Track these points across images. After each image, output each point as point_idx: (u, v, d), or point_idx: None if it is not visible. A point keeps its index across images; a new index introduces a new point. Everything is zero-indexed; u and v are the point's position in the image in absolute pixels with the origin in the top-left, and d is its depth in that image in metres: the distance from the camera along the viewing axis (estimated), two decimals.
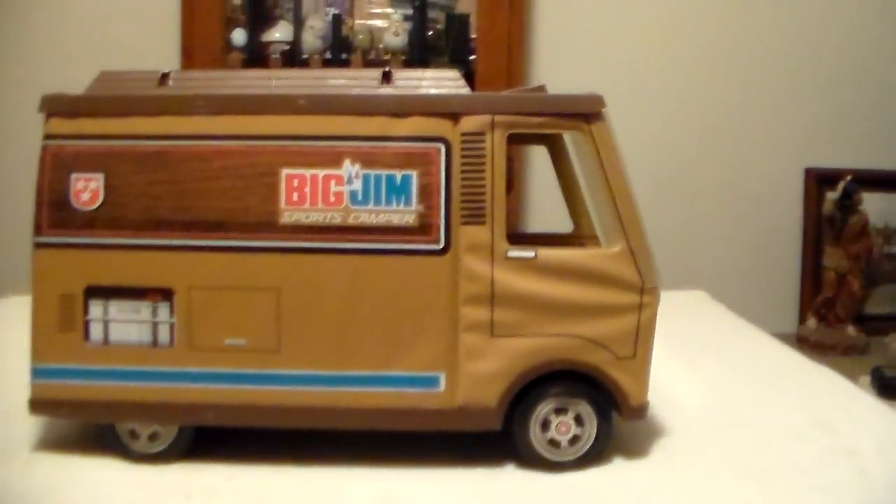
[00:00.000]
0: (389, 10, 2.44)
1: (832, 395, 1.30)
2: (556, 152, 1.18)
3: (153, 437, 1.01)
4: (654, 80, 2.49)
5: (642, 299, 1.00)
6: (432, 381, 1.00)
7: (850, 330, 2.44)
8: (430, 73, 1.01)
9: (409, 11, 2.40)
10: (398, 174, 0.98)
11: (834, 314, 2.46)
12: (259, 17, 2.41)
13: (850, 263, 2.43)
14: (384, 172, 0.98)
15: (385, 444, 1.05)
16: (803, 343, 2.41)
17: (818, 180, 2.55)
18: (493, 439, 1.03)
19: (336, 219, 0.98)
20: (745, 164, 2.55)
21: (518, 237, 1.07)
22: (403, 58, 2.35)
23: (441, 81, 1.00)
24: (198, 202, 0.98)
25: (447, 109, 0.97)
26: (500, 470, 1.02)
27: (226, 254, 0.98)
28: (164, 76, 1.02)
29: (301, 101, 0.98)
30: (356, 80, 1.01)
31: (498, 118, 0.98)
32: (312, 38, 2.37)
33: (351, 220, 0.98)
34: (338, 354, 0.99)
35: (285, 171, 0.98)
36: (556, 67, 2.43)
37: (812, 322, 2.47)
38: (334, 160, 0.98)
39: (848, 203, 2.39)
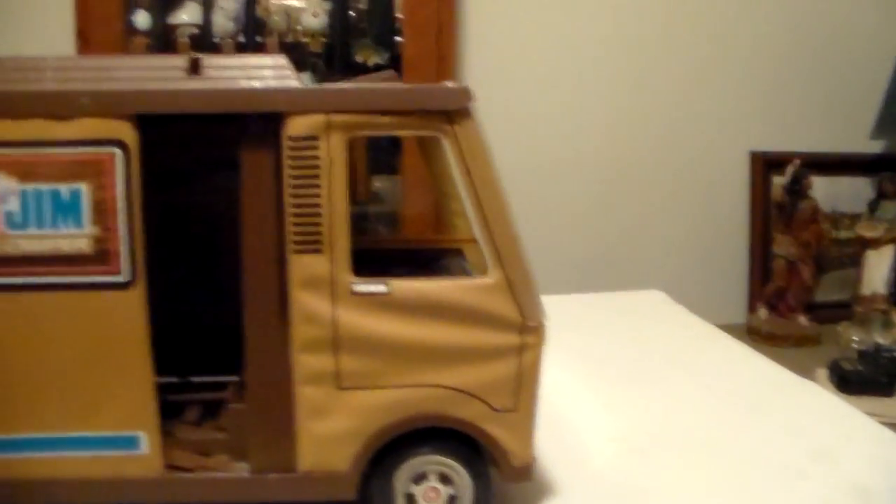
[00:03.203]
0: None
1: (825, 416, 1.14)
2: (430, 150, 0.99)
3: None
4: (595, 65, 2.34)
5: (523, 339, 0.81)
6: (129, 443, 0.81)
7: (802, 320, 2.32)
8: (251, 60, 0.81)
9: None
10: (64, 188, 0.78)
11: (785, 304, 2.34)
12: None
13: (800, 251, 2.31)
14: (47, 187, 0.78)
15: None
16: (754, 334, 2.30)
17: (764, 164, 2.42)
18: None
19: None
20: (687, 149, 2.41)
21: (376, 258, 0.87)
22: (324, 40, 2.19)
23: (261, 70, 0.80)
24: None
25: (269, 108, 0.77)
26: None
27: None
28: None
29: None
30: (157, 71, 0.80)
31: (335, 118, 0.78)
32: (223, 19, 2.18)
33: (8, 249, 0.78)
34: (12, 414, 0.80)
35: None
36: (488, 51, 2.26)
37: (762, 312, 2.35)
38: None
39: (797, 188, 2.27)
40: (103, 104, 0.77)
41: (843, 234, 2.47)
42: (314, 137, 0.77)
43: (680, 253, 2.43)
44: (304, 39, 2.18)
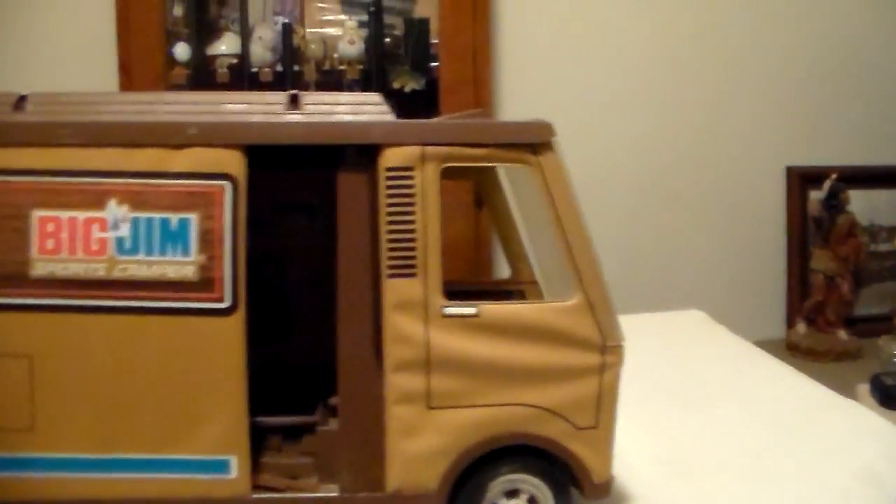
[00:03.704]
0: (343, 17, 2.27)
1: (869, 436, 1.15)
2: (487, 187, 1.03)
3: None
4: (629, 83, 2.36)
5: (604, 359, 0.85)
6: (220, 467, 0.84)
7: (842, 334, 2.33)
8: (346, 97, 0.86)
9: (365, 18, 2.23)
10: (174, 218, 0.82)
11: (824, 318, 2.35)
12: (203, 30, 2.24)
13: (838, 265, 2.33)
14: (157, 216, 0.81)
15: None
16: (794, 349, 2.31)
17: (801, 179, 2.44)
18: None
19: (99, 271, 0.81)
20: (724, 166, 2.42)
21: (453, 290, 0.91)
22: (361, 67, 2.21)
23: (361, 107, 0.85)
24: None
25: (367, 140, 0.82)
26: None
27: None
28: (22, 99, 0.86)
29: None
30: (259, 105, 0.85)
31: (429, 150, 0.82)
32: (261, 49, 2.22)
33: (117, 273, 0.81)
34: (105, 434, 0.82)
35: (37, 214, 0.81)
36: (523, 75, 2.29)
37: (801, 327, 2.36)
38: (97, 200, 0.81)
39: (835, 203, 2.29)
40: (215, 134, 0.81)
41: (882, 247, 2.48)
42: (409, 168, 0.82)
43: (717, 269, 2.44)
44: (342, 67, 2.21)
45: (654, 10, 2.36)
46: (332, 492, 0.86)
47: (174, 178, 0.81)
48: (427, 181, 0.82)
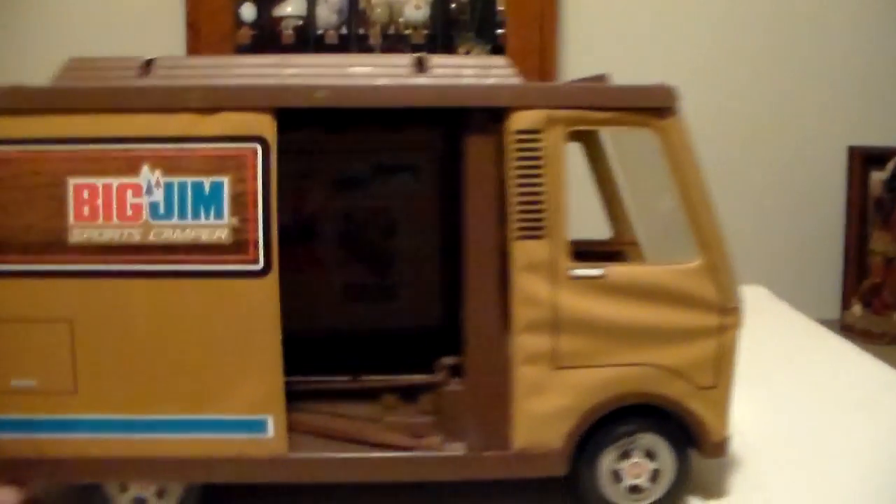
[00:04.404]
0: None
1: None
2: (593, 150, 1.04)
3: (160, 495, 0.87)
4: (694, 59, 2.35)
5: (724, 320, 0.87)
6: (257, 426, 0.85)
7: None
8: (472, 60, 0.87)
9: None
10: (206, 182, 0.83)
11: (881, 300, 2.35)
12: None
13: None
14: (190, 180, 0.82)
15: (423, 494, 0.91)
16: (848, 331, 2.31)
17: (863, 159, 2.41)
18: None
19: (135, 236, 0.83)
20: (786, 144, 2.42)
21: None
22: (426, 32, 2.21)
23: (486, 70, 0.85)
24: None
25: (495, 103, 0.83)
26: None
27: (6, 280, 0.83)
28: (149, 63, 0.87)
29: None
30: (385, 69, 0.86)
31: (556, 113, 0.83)
32: (327, 12, 2.24)
33: (152, 238, 0.83)
34: (145, 395, 0.84)
35: (73, 181, 0.82)
36: (590, 43, 2.29)
37: (857, 309, 2.37)
38: (131, 166, 0.82)
39: None
40: (343, 97, 0.82)
41: None
42: (537, 131, 0.83)
43: (774, 247, 2.42)
44: (407, 31, 2.21)
45: None
46: (457, 451, 0.87)
47: (205, 142, 0.82)
48: (554, 144, 0.83)
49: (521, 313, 0.84)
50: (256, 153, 0.82)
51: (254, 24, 2.22)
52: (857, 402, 1.19)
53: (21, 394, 0.84)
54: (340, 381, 0.98)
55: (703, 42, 2.35)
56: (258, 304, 0.83)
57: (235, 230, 0.82)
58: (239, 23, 2.23)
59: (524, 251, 0.84)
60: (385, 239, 1.05)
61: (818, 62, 2.40)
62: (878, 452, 1.04)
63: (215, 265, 0.83)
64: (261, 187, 0.82)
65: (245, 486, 0.89)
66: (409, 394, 0.97)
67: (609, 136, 1.00)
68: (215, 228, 0.82)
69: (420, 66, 0.86)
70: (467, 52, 2.21)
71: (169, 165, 0.82)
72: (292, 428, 0.92)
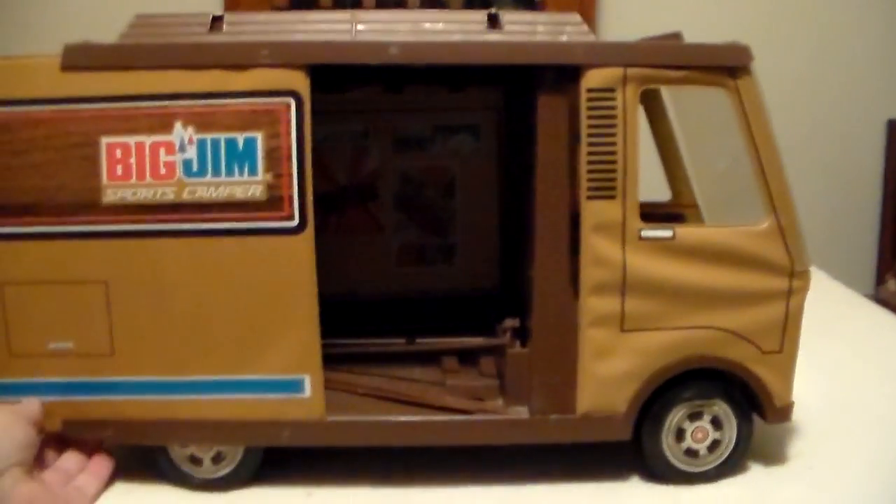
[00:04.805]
0: None
1: None
2: (654, 110, 1.03)
3: (218, 460, 0.86)
4: (731, 25, 2.27)
5: (792, 284, 0.86)
6: (294, 386, 0.84)
7: None
8: (545, 17, 0.85)
9: None
10: (240, 137, 0.81)
11: None
12: None
13: None
14: (223, 136, 0.81)
15: (485, 456, 0.90)
16: (882, 306, 2.28)
17: None
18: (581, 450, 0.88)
19: (168, 195, 0.81)
20: (823, 117, 2.38)
21: None
22: None
23: (560, 26, 0.84)
24: (2, 182, 0.81)
25: (569, 61, 0.81)
26: (625, 484, 0.89)
27: (40, 242, 0.81)
28: (217, 20, 0.85)
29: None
30: (458, 25, 0.84)
31: (631, 71, 0.82)
32: None
33: (186, 196, 0.81)
34: (182, 357, 0.83)
35: (105, 140, 0.81)
36: (629, 6, 2.26)
37: (892, 284, 2.34)
38: (163, 124, 0.81)
39: None
40: (415, 53, 0.80)
41: None
42: (611, 89, 0.82)
43: (809, 221, 2.37)
44: None
45: None
46: (521, 414, 0.87)
47: (238, 97, 0.80)
48: (627, 103, 0.82)
49: (590, 274, 0.83)
50: (290, 107, 0.80)
51: None
52: None
53: (58, 356, 0.83)
54: (397, 343, 0.97)
55: (743, 10, 2.32)
56: (294, 262, 0.82)
57: (270, 186, 0.81)
58: None
59: (595, 211, 0.82)
60: (444, 200, 1.03)
61: (857, 35, 2.36)
62: None
63: (250, 222, 0.81)
64: (295, 142, 0.80)
65: (302, 454, 0.88)
66: (466, 357, 0.96)
67: (670, 97, 0.98)
68: (249, 185, 0.81)
69: (494, 23, 0.84)
70: None
71: (201, 122, 0.80)
72: (347, 390, 0.91)
